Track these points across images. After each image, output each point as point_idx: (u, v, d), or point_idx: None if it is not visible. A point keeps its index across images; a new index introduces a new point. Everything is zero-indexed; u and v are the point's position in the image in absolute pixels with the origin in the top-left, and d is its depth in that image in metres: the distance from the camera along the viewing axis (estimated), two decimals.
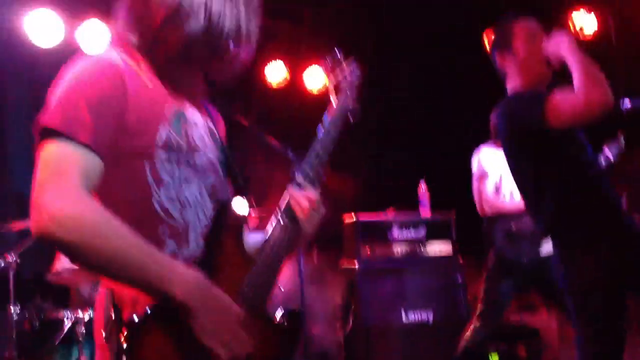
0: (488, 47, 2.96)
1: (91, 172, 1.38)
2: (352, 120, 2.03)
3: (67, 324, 3.80)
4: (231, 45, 1.54)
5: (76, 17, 5.00)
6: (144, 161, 1.47)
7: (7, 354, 3.67)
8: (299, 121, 5.80)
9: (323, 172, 1.76)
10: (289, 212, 1.65)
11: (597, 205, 2.58)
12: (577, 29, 5.81)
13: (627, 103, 3.42)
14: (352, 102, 2.01)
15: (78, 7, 5.00)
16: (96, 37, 4.94)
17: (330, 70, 2.07)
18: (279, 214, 1.65)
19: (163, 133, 1.49)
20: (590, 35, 5.81)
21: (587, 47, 2.74)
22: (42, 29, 4.82)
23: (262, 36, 1.64)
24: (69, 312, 3.90)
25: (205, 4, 1.49)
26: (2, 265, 3.75)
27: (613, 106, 2.44)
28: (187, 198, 1.52)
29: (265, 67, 6.08)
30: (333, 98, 2.00)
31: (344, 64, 2.09)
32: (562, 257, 2.61)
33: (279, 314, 1.62)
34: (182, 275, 1.36)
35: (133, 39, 1.55)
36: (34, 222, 1.30)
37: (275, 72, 6.11)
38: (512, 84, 2.79)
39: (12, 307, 3.72)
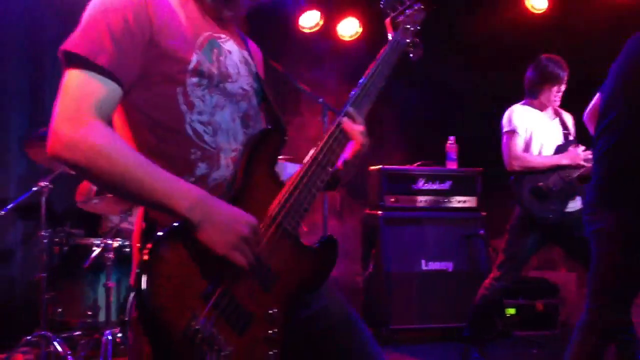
0: None
1: (108, 100, 1.42)
2: (413, 58, 2.00)
3: (96, 250, 3.89)
4: None
5: None
6: (176, 86, 1.49)
7: (37, 277, 3.79)
8: (331, 68, 5.82)
9: (368, 108, 1.76)
10: (339, 132, 1.67)
11: None
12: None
13: None
14: (410, 38, 1.96)
15: None
16: None
17: (389, 6, 1.99)
18: (319, 143, 1.65)
19: (194, 59, 1.51)
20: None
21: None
22: None
23: None
24: (98, 240, 4.00)
25: None
26: (35, 190, 3.84)
27: None
28: (219, 123, 1.55)
29: (301, 16, 6.05)
30: (390, 34, 1.95)
31: (407, 2, 2.00)
32: (603, 204, 2.62)
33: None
34: (184, 192, 1.39)
35: None
36: (48, 144, 1.38)
37: (310, 19, 6.08)
38: None
39: (42, 232, 3.82)
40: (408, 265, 4.58)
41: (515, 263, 3.97)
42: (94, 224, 4.58)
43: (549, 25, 5.85)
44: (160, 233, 1.36)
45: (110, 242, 3.88)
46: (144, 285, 1.31)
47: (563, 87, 4.16)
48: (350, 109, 1.72)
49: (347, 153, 1.77)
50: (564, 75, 4.13)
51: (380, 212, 4.64)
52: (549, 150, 4.12)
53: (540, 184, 3.97)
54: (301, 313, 1.59)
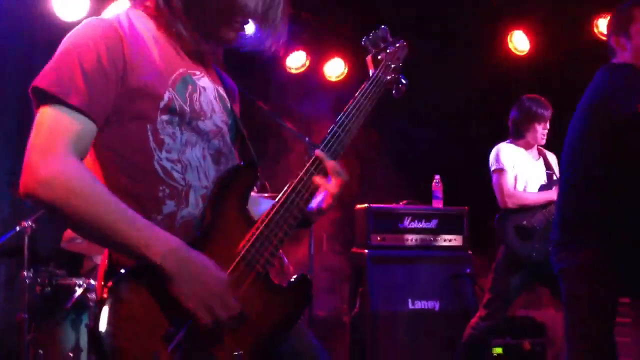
0: (605, 31, 2.85)
1: (82, 136, 1.40)
2: (395, 95, 1.98)
3: (79, 291, 3.85)
4: (248, 21, 1.57)
5: None
6: (146, 123, 1.48)
7: (18, 317, 3.73)
8: (317, 107, 5.87)
9: (345, 145, 1.72)
10: (314, 168, 1.64)
11: (632, 216, 2.57)
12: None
13: None
14: (392, 75, 1.93)
15: None
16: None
17: (371, 44, 1.98)
18: (293, 180, 1.63)
19: (166, 96, 1.49)
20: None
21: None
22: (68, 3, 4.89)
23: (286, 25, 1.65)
24: (81, 280, 3.95)
25: None
26: (18, 230, 3.80)
27: None
28: (189, 160, 1.52)
29: (288, 56, 6.12)
30: (370, 70, 1.93)
31: (389, 39, 2.00)
32: (568, 239, 2.62)
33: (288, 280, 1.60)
34: (160, 241, 1.36)
35: (151, 3, 1.57)
36: (22, 182, 1.35)
37: (296, 59, 6.15)
38: (620, 60, 2.71)
39: (25, 272, 3.78)
40: (395, 304, 4.55)
41: (501, 302, 3.97)
42: (76, 264, 4.53)
43: (532, 66, 5.96)
44: (122, 272, 1.33)
45: (92, 282, 3.84)
46: (101, 326, 1.27)
47: (548, 125, 4.22)
48: (320, 151, 1.68)
49: (322, 202, 1.73)
50: (548, 114, 4.20)
51: (366, 250, 4.63)
52: (533, 189, 4.16)
53: (525, 222, 4.00)
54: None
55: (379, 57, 1.95)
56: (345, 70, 6.26)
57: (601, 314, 2.53)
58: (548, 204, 3.99)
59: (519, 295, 4.29)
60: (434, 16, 5.78)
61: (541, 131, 4.21)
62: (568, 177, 2.71)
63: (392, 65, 1.95)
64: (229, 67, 1.81)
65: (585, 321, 2.55)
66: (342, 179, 1.69)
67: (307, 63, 6.14)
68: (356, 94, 1.82)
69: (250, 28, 1.65)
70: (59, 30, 4.78)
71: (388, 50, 1.97)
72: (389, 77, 1.93)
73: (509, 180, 4.12)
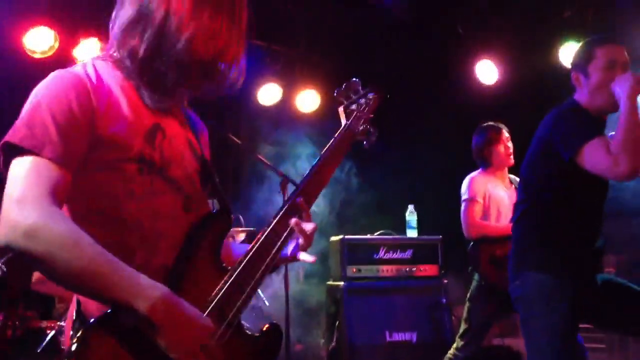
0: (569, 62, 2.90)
1: (59, 186, 1.38)
2: (366, 146, 2.01)
3: (50, 334, 3.78)
4: (222, 66, 1.57)
5: (73, 34, 5.07)
6: (116, 173, 1.47)
7: None
8: (290, 139, 5.90)
9: (319, 192, 1.75)
10: (278, 225, 1.63)
11: (580, 244, 2.64)
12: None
13: None
14: (363, 126, 1.97)
15: (76, 25, 5.07)
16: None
17: (343, 95, 2.02)
18: (266, 227, 1.63)
19: (136, 147, 1.49)
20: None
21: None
22: (39, 44, 4.90)
23: (257, 59, 1.66)
24: (52, 322, 3.88)
25: (197, 25, 1.51)
26: None
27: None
28: (160, 209, 1.51)
29: (259, 89, 6.16)
30: (343, 121, 1.97)
31: (360, 90, 2.04)
32: (521, 267, 2.67)
33: (260, 326, 1.60)
34: (147, 290, 1.34)
35: (118, 54, 1.56)
36: (1, 233, 1.31)
37: (269, 93, 6.19)
38: (576, 98, 2.76)
39: None
40: (372, 336, 4.53)
41: (476, 332, 3.98)
42: (47, 305, 4.45)
43: (500, 94, 6.06)
44: (91, 321, 1.30)
45: (64, 324, 3.77)
46: None
47: (510, 145, 4.29)
48: (299, 199, 1.69)
49: (296, 248, 1.72)
50: (504, 131, 4.29)
51: (342, 282, 4.62)
52: (504, 219, 4.20)
53: (498, 252, 4.03)
54: None
55: (351, 108, 2.00)
56: (319, 103, 6.31)
57: (555, 338, 2.55)
58: None
59: (493, 323, 4.30)
60: (406, 46, 5.87)
61: (504, 152, 4.27)
62: (519, 206, 2.78)
63: (363, 117, 1.98)
64: (201, 103, 1.81)
65: (542, 346, 2.58)
66: (315, 227, 1.70)
67: (280, 96, 6.18)
68: (329, 144, 1.86)
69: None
70: (28, 66, 4.81)
71: (359, 102, 2.01)
72: (360, 128, 1.97)
73: (476, 210, 4.17)
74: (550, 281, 2.57)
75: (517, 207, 2.82)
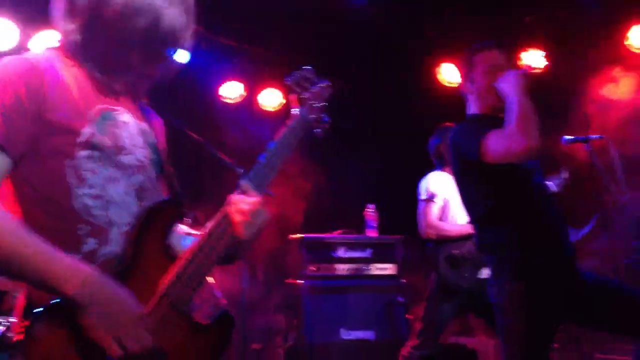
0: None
1: None
2: (319, 134, 2.02)
3: None
4: (169, 50, 1.59)
5: (33, 25, 4.98)
6: (64, 159, 1.47)
7: None
8: (253, 138, 5.87)
9: (270, 179, 1.74)
10: (226, 216, 1.63)
11: (538, 234, 2.67)
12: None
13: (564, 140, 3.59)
14: (316, 114, 1.98)
15: (35, 16, 4.98)
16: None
17: (296, 84, 2.03)
18: (216, 218, 1.63)
19: (85, 132, 1.50)
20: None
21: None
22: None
23: (219, 55, 1.66)
24: (3, 318, 3.80)
25: (150, 6, 1.52)
26: None
27: (538, 150, 2.51)
28: (112, 196, 1.52)
29: (222, 86, 6.12)
30: (295, 109, 1.97)
31: (313, 79, 2.06)
32: (497, 275, 2.70)
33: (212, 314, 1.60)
34: (73, 272, 1.35)
35: (65, 41, 1.58)
36: None
37: (231, 89, 6.16)
38: (470, 110, 2.94)
39: None
40: (330, 334, 4.54)
41: (433, 330, 4.02)
42: None
43: (461, 99, 6.11)
44: (38, 310, 1.31)
45: (15, 320, 3.69)
46: None
47: None
48: (245, 184, 1.70)
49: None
50: None
51: (301, 281, 4.62)
52: (462, 218, 4.25)
53: (455, 251, 4.07)
54: None
55: (304, 96, 2.01)
56: (283, 101, 6.30)
57: (529, 345, 2.58)
58: (470, 235, 4.09)
59: (449, 322, 4.35)
60: (370, 46, 5.90)
61: None
62: (476, 224, 2.86)
63: (316, 105, 2.00)
64: (160, 100, 1.80)
65: (515, 353, 2.60)
66: (255, 202, 1.67)
67: (245, 93, 6.15)
68: (280, 132, 1.86)
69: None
70: None
71: (312, 90, 2.02)
72: (312, 116, 1.98)
73: (433, 210, 4.21)
74: (524, 289, 2.60)
75: (474, 224, 2.87)
